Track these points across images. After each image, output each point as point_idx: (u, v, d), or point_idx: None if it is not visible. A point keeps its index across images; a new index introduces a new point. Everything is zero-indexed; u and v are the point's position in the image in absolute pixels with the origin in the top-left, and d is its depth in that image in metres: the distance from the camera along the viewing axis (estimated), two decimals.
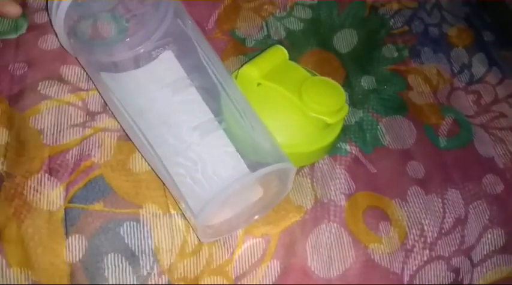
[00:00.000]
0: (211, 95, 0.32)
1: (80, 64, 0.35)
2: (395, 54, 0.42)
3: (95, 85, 0.34)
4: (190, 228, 0.30)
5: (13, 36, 0.37)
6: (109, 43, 0.35)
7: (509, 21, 0.47)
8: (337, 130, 0.33)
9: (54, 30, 0.32)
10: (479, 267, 0.33)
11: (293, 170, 0.29)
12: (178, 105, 0.32)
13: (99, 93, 0.34)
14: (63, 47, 0.35)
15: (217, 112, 0.32)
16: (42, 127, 0.32)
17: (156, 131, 0.30)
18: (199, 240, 0.30)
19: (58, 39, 0.33)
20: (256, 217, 0.31)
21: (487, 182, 0.36)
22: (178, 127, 0.31)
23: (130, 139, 0.31)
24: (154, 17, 0.34)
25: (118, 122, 0.33)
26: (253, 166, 0.29)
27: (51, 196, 0.30)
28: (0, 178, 0.30)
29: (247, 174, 0.29)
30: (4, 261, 0.28)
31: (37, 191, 0.30)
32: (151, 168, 0.31)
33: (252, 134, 0.30)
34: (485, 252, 0.33)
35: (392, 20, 0.44)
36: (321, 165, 0.34)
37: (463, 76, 0.42)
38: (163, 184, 0.31)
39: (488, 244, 0.34)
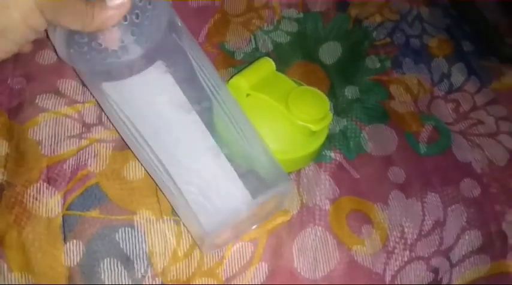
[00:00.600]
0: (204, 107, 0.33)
1: (78, 76, 0.36)
2: (378, 65, 0.44)
3: (93, 95, 0.35)
4: (182, 233, 0.32)
5: None
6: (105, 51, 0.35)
7: (487, 32, 0.49)
8: (322, 138, 0.35)
9: (52, 40, 0.33)
10: (457, 267, 0.35)
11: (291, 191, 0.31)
12: (188, 124, 0.32)
13: (98, 103, 0.35)
14: (59, 61, 0.36)
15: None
16: (40, 139, 0.34)
17: (165, 148, 0.31)
18: (202, 252, 0.31)
19: (56, 50, 0.34)
20: (253, 227, 0.33)
21: (464, 186, 0.38)
22: (191, 147, 0.32)
23: (129, 148, 0.33)
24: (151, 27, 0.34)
25: (117, 131, 0.34)
26: (263, 186, 0.31)
27: (50, 203, 0.31)
28: (1, 187, 0.32)
29: (263, 193, 0.30)
30: (6, 266, 0.29)
31: (36, 199, 0.31)
32: (150, 176, 0.32)
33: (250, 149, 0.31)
34: (463, 253, 0.35)
35: (375, 32, 0.46)
36: (306, 171, 0.36)
37: (443, 85, 0.44)
38: (161, 192, 0.32)
39: (466, 245, 0.35)
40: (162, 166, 0.30)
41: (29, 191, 0.32)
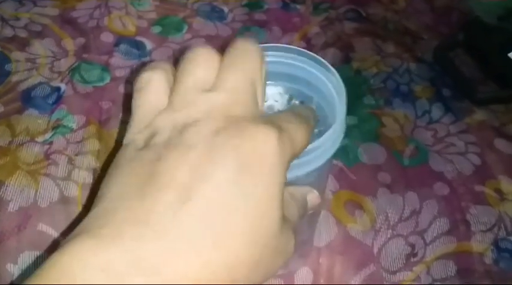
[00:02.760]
0: None
1: None
2: (373, 102, 0.57)
3: None
4: None
5: (101, 84, 0.54)
6: None
7: (464, 82, 0.62)
8: None
9: None
10: (430, 245, 0.45)
11: None
12: None
13: None
14: None
15: None
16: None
17: None
18: None
19: None
20: None
21: (437, 188, 0.49)
22: None
23: None
24: None
25: None
26: None
27: None
28: (95, 170, 0.45)
29: None
30: None
31: None
32: None
33: None
34: (434, 234, 0.46)
35: (372, 80, 0.60)
36: None
37: (424, 118, 0.56)
38: None
39: (437, 229, 0.46)
40: None
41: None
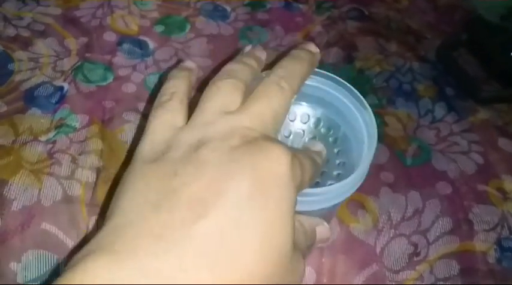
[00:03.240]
0: None
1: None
2: (376, 102, 0.57)
3: None
4: None
5: (103, 83, 0.54)
6: None
7: (467, 81, 0.62)
8: None
9: None
10: (433, 245, 0.45)
11: None
12: None
13: None
14: (138, 90, 0.51)
15: None
16: (126, 139, 0.48)
17: None
18: None
19: None
20: None
21: (439, 187, 0.49)
22: None
23: None
24: None
25: None
26: None
27: None
28: (99, 169, 0.45)
29: None
30: None
31: None
32: None
33: None
34: (437, 234, 0.46)
35: (374, 79, 0.60)
36: None
37: (427, 117, 0.56)
38: None
39: (440, 228, 0.46)
40: None
41: (119, 173, 0.45)
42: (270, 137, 0.24)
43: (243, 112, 0.24)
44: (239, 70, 0.27)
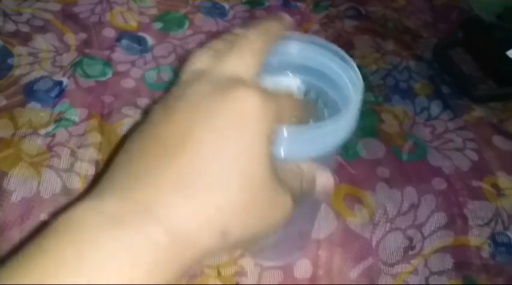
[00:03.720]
0: None
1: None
2: (373, 99, 0.57)
3: None
4: None
5: (103, 78, 0.55)
6: None
7: (463, 80, 0.62)
8: None
9: None
10: (428, 239, 0.46)
11: None
12: None
13: None
14: (137, 86, 0.52)
15: None
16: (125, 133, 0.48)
17: None
18: None
19: None
20: None
21: (435, 183, 0.49)
22: None
23: None
24: None
25: None
26: None
27: None
28: (97, 162, 0.46)
29: None
30: None
31: None
32: None
33: None
34: (432, 228, 0.46)
35: (371, 77, 0.60)
36: None
37: (423, 115, 0.57)
38: None
39: (435, 223, 0.46)
40: None
41: None
42: (243, 78, 0.24)
43: (221, 59, 0.25)
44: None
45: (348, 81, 0.31)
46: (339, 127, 0.29)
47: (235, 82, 0.23)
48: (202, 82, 0.24)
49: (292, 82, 0.36)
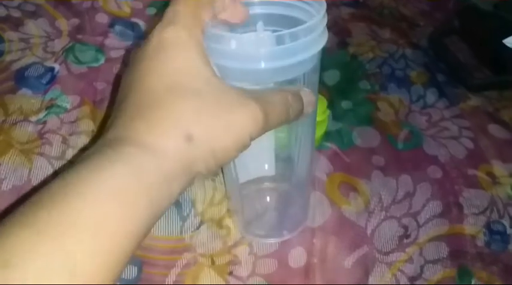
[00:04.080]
0: None
1: None
2: (369, 87, 0.57)
3: None
4: (217, 187, 0.44)
5: (95, 65, 0.54)
6: None
7: (459, 68, 0.62)
8: (323, 128, 0.47)
9: None
10: (423, 227, 0.45)
11: None
12: None
13: None
14: None
15: None
16: None
17: None
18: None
19: None
20: None
21: (430, 171, 0.49)
22: None
23: None
24: None
25: None
26: None
27: None
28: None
29: None
30: None
31: None
32: None
33: None
34: (427, 217, 0.46)
35: (367, 65, 0.60)
36: None
37: (419, 103, 0.56)
38: None
39: (430, 211, 0.46)
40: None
41: None
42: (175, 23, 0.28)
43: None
44: None
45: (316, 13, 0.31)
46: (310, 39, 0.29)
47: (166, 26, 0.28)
48: (151, 36, 0.28)
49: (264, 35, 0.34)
